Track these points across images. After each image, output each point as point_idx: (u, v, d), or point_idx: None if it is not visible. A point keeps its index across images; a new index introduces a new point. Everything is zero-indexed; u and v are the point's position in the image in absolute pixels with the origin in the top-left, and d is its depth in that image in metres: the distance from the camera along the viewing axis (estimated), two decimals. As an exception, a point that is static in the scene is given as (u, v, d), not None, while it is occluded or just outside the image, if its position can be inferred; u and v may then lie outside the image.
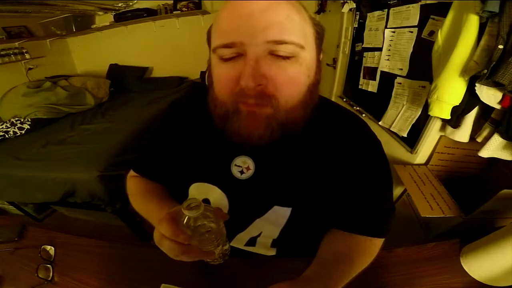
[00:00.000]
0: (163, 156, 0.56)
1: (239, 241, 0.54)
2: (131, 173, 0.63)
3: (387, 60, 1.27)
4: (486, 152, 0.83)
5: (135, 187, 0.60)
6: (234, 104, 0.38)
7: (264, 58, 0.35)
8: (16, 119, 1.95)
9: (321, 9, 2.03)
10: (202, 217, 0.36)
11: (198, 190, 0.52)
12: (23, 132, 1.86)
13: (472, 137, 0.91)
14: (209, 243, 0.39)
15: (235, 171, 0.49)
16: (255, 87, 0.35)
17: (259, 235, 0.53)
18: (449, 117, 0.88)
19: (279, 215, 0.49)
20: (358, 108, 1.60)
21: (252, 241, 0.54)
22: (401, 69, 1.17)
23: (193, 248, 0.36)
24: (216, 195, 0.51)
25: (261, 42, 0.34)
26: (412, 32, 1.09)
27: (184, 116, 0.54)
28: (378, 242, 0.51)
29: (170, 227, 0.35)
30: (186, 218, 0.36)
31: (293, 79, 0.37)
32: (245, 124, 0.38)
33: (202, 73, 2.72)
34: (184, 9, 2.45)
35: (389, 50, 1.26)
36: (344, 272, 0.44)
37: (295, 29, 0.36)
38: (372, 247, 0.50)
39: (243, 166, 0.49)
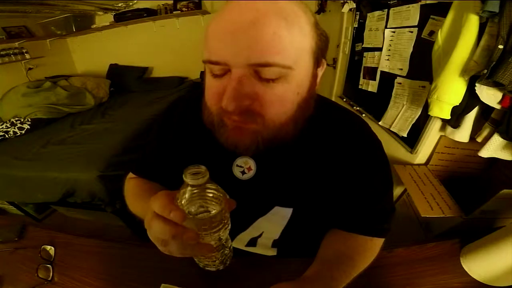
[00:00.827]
0: (164, 156, 0.56)
1: (240, 242, 0.55)
2: (129, 175, 0.63)
3: (387, 60, 1.27)
4: (486, 152, 0.83)
5: (132, 188, 0.60)
6: (220, 116, 0.38)
7: (249, 78, 0.34)
8: (16, 119, 1.95)
9: (321, 9, 2.03)
10: (205, 192, 0.31)
11: None
12: (23, 132, 1.86)
13: (472, 137, 0.91)
14: (209, 230, 0.33)
15: (236, 171, 0.49)
16: (236, 108, 0.34)
17: (260, 235, 0.53)
18: (449, 117, 0.88)
19: (280, 215, 0.49)
20: (358, 108, 1.60)
21: (253, 242, 0.54)
22: (401, 69, 1.17)
23: (187, 231, 0.30)
24: None
25: (244, 64, 0.33)
26: (412, 32, 1.09)
27: (184, 116, 0.54)
28: (379, 242, 0.51)
29: (163, 202, 0.30)
30: (188, 189, 0.30)
31: (280, 98, 0.36)
32: (231, 136, 0.38)
33: (202, 73, 2.71)
34: (184, 9, 2.45)
35: (389, 50, 1.26)
36: (345, 272, 0.44)
37: (282, 48, 0.32)
38: (372, 247, 0.50)
39: (244, 167, 0.49)
